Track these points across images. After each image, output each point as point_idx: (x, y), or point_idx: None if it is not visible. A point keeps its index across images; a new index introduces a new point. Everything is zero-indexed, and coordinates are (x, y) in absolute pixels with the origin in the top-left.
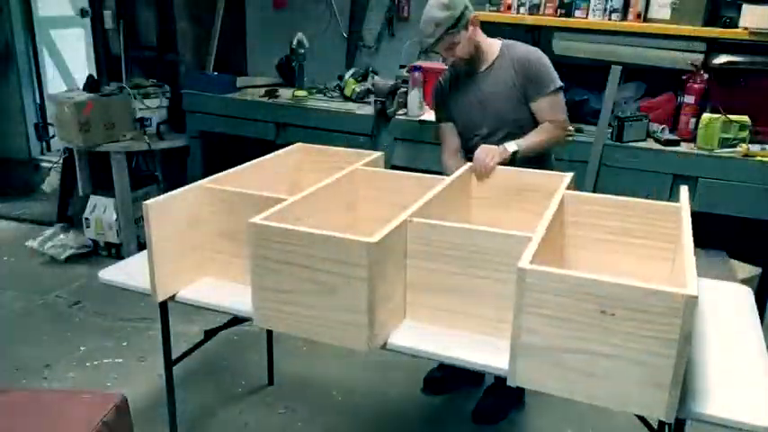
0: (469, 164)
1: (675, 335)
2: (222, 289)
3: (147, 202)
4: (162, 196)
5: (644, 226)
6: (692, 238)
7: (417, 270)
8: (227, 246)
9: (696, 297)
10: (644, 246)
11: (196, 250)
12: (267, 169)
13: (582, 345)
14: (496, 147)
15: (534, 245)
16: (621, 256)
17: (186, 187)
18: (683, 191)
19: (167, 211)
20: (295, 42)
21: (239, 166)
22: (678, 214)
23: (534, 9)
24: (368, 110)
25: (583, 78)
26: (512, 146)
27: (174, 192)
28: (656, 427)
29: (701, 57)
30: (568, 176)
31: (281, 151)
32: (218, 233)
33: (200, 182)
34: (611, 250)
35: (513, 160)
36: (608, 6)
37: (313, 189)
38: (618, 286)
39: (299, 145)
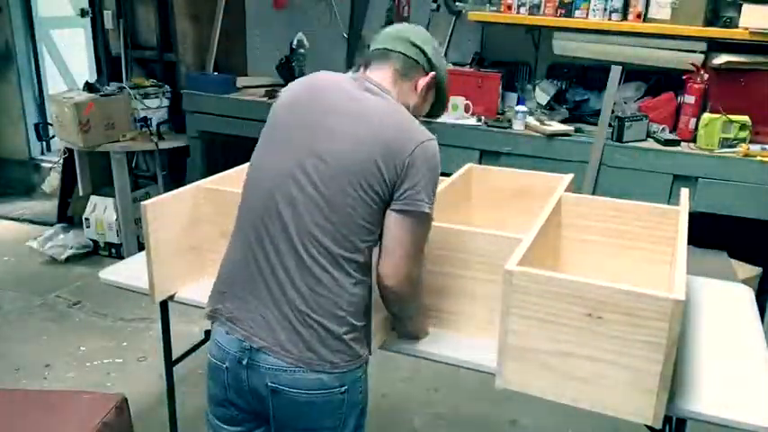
0: None
1: (663, 339)
2: None
3: (145, 202)
4: (160, 196)
5: (643, 229)
6: (686, 242)
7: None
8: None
9: (683, 302)
10: (643, 249)
11: (195, 250)
12: None
13: (568, 348)
14: None
15: (523, 247)
16: (620, 259)
17: (185, 188)
18: (684, 194)
19: (166, 211)
20: (295, 42)
21: (239, 167)
22: (677, 217)
23: (534, 9)
24: None
25: (583, 78)
26: None
27: (172, 192)
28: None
29: (701, 57)
30: (568, 178)
31: None
32: (217, 234)
33: (199, 182)
34: (609, 253)
35: None
36: (608, 6)
37: None
38: (605, 289)
39: None
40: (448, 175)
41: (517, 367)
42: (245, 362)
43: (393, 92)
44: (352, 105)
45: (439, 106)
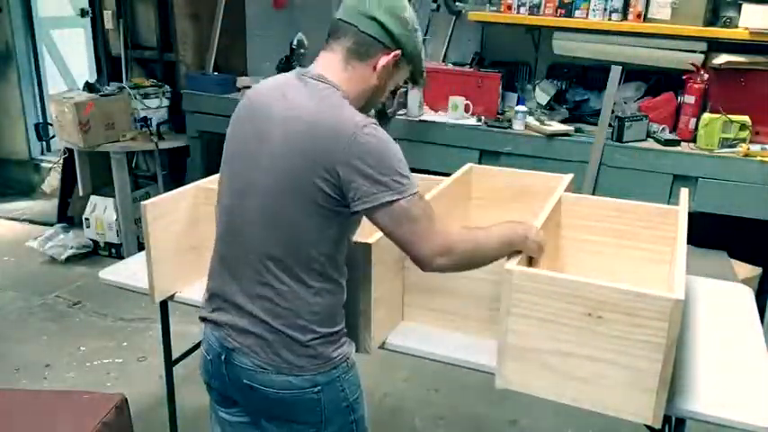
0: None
1: (662, 339)
2: None
3: (145, 202)
4: (160, 196)
5: (643, 229)
6: (686, 242)
7: (414, 271)
8: None
9: (682, 301)
10: (643, 249)
11: (195, 250)
12: None
13: (568, 348)
14: None
15: None
16: (620, 259)
17: (185, 187)
18: (683, 193)
19: (165, 210)
20: (295, 42)
21: None
22: (677, 217)
23: (534, 9)
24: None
25: (583, 78)
26: None
27: (172, 192)
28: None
29: (701, 57)
30: (568, 178)
31: None
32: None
33: (199, 182)
34: (609, 253)
35: None
36: (608, 6)
37: None
38: (604, 289)
39: None
40: (448, 174)
41: (517, 367)
42: (223, 357)
43: (341, 79)
44: (287, 114)
45: (417, 77)
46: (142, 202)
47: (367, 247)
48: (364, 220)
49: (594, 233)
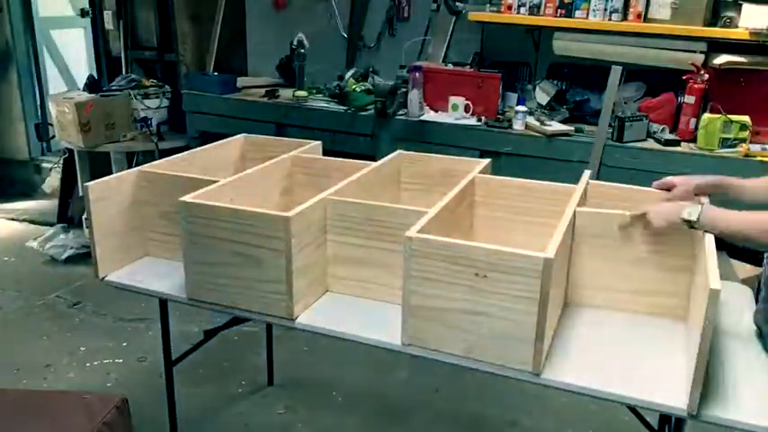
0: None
1: (536, 294)
2: (161, 266)
3: (88, 183)
4: (103, 179)
5: (546, 206)
6: (571, 215)
7: (336, 244)
8: (167, 226)
9: (552, 259)
10: (541, 223)
11: (138, 230)
12: (209, 158)
13: (460, 305)
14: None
15: (426, 218)
16: (523, 233)
17: (127, 171)
18: (585, 174)
19: (107, 193)
20: (295, 42)
21: (181, 154)
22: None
23: (534, 9)
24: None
25: (583, 78)
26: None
27: (114, 175)
28: (655, 426)
29: (701, 57)
30: (483, 163)
31: (222, 141)
32: (158, 215)
33: (141, 166)
34: (516, 229)
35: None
36: (608, 6)
37: (248, 172)
38: (487, 251)
39: (241, 136)
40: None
41: (419, 325)
42: None
43: None
44: None
45: None
46: (85, 184)
47: (284, 219)
48: None
49: (504, 211)
